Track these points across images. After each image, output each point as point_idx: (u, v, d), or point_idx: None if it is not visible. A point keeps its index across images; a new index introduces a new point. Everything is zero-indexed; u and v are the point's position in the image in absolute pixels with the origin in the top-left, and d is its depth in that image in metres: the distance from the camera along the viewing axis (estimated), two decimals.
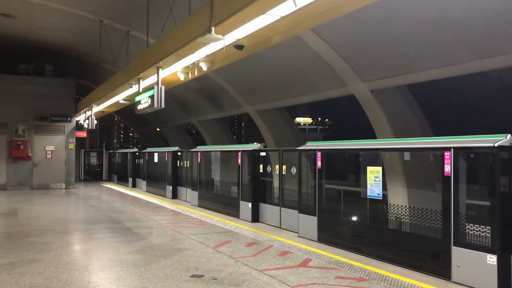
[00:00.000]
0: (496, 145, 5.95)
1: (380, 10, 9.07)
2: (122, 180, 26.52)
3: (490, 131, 6.47)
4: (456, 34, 8.84)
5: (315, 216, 9.36)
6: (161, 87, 11.27)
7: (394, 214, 7.93)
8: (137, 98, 12.92)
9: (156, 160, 20.61)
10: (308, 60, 12.04)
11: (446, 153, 6.59)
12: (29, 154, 22.21)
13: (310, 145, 9.99)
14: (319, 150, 9.42)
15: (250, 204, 11.92)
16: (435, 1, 8.49)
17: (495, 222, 5.99)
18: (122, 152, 28.70)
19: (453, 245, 6.43)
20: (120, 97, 16.85)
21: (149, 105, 11.82)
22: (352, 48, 10.89)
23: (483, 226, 6.21)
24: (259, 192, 11.98)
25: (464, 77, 11.47)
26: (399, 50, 10.05)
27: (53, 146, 22.89)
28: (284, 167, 11.12)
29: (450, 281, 6.43)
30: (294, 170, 10.78)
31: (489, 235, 6.09)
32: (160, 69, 11.01)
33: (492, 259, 5.94)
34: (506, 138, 6.04)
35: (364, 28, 10.03)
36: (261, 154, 11.96)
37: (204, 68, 10.27)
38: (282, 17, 6.68)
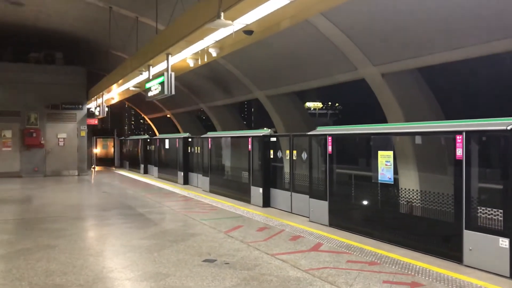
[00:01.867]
0: (509, 128, 5.88)
1: None
2: (134, 167, 26.72)
3: (502, 114, 6.38)
4: (467, 16, 8.70)
5: (326, 200, 9.37)
6: (171, 74, 11.27)
7: (405, 198, 7.91)
8: (147, 85, 12.94)
9: (167, 146, 20.72)
10: (318, 44, 11.95)
11: (458, 137, 6.54)
12: (42, 142, 22.46)
13: (320, 130, 9.96)
14: (329, 135, 9.39)
15: (261, 189, 11.97)
16: None
17: (508, 206, 5.95)
18: (133, 138, 28.89)
19: (465, 229, 6.41)
20: (130, 84, 16.88)
21: (160, 91, 11.84)
22: (362, 31, 10.78)
23: (495, 210, 6.17)
24: (270, 177, 12.00)
25: (477, 60, 11.31)
26: (410, 33, 9.93)
27: (65, 134, 23.12)
28: (294, 152, 11.12)
29: (461, 264, 6.43)
30: (304, 155, 10.77)
31: (501, 218, 6.05)
32: (170, 55, 10.99)
33: (504, 242, 5.91)
34: None
35: (375, 11, 9.91)
36: (271, 140, 11.97)
37: (214, 54, 10.24)
38: (291, 1, 6.62)
